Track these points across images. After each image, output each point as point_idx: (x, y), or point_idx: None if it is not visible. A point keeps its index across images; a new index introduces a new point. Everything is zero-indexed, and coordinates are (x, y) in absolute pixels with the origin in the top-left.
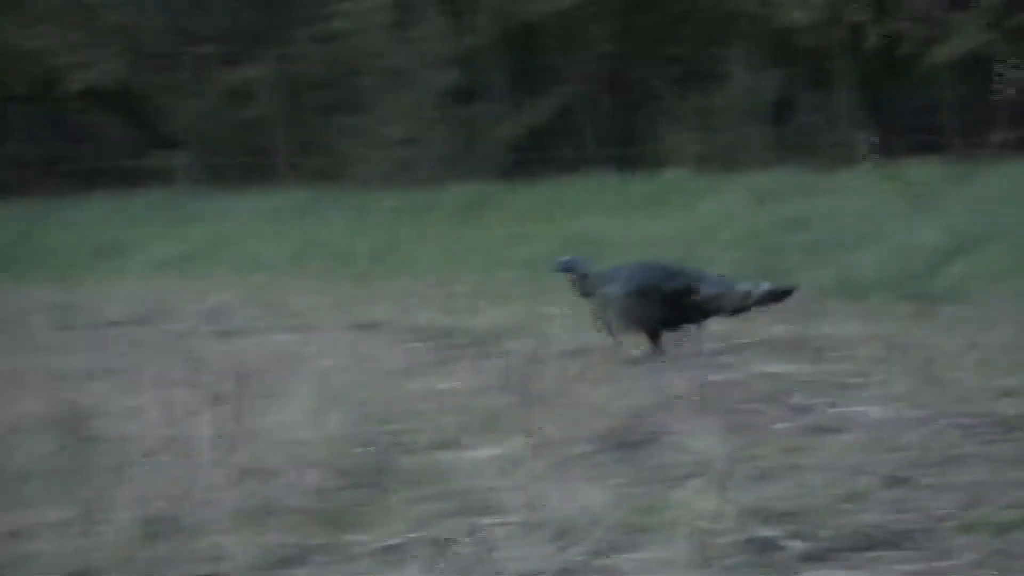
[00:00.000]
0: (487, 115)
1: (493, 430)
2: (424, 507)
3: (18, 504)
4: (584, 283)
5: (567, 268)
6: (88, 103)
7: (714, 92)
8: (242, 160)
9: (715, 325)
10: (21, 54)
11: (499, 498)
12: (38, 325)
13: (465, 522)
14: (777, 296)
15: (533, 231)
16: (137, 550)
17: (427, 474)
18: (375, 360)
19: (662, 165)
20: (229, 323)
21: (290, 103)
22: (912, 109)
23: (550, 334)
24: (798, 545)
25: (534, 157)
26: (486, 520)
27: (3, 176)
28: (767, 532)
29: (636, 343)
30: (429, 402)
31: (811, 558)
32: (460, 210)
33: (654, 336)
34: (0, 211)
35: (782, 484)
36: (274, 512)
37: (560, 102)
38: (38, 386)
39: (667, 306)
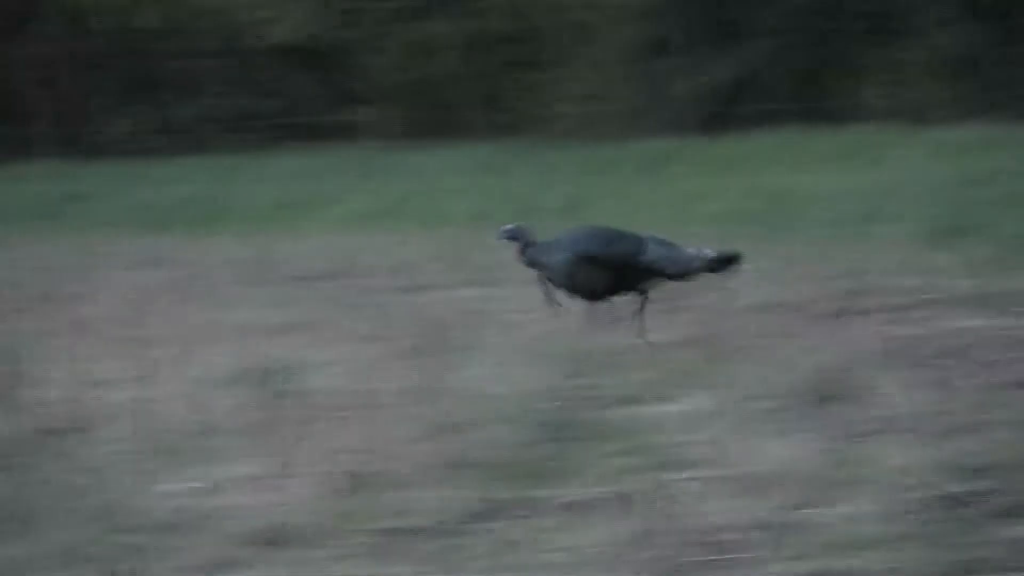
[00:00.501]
0: (674, 69)
1: (683, 384)
2: (615, 462)
3: (211, 459)
4: (529, 252)
5: (512, 237)
6: (277, 58)
7: (903, 46)
8: (429, 115)
9: (896, 281)
10: (209, 10)
11: (690, 453)
12: (228, 280)
13: (655, 477)
14: (724, 262)
15: (720, 185)
16: (330, 504)
17: (618, 429)
18: (564, 314)
19: (850, 119)
20: (418, 278)
21: (477, 58)
22: None
23: (739, 289)
24: (990, 501)
25: (721, 111)
26: (676, 475)
27: (193, 131)
28: (959, 488)
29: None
30: (619, 357)
31: (1003, 514)
32: (647, 164)
33: (598, 300)
34: (190, 166)
35: (973, 440)
36: (466, 466)
37: (748, 56)
38: (228, 341)
39: (613, 270)
